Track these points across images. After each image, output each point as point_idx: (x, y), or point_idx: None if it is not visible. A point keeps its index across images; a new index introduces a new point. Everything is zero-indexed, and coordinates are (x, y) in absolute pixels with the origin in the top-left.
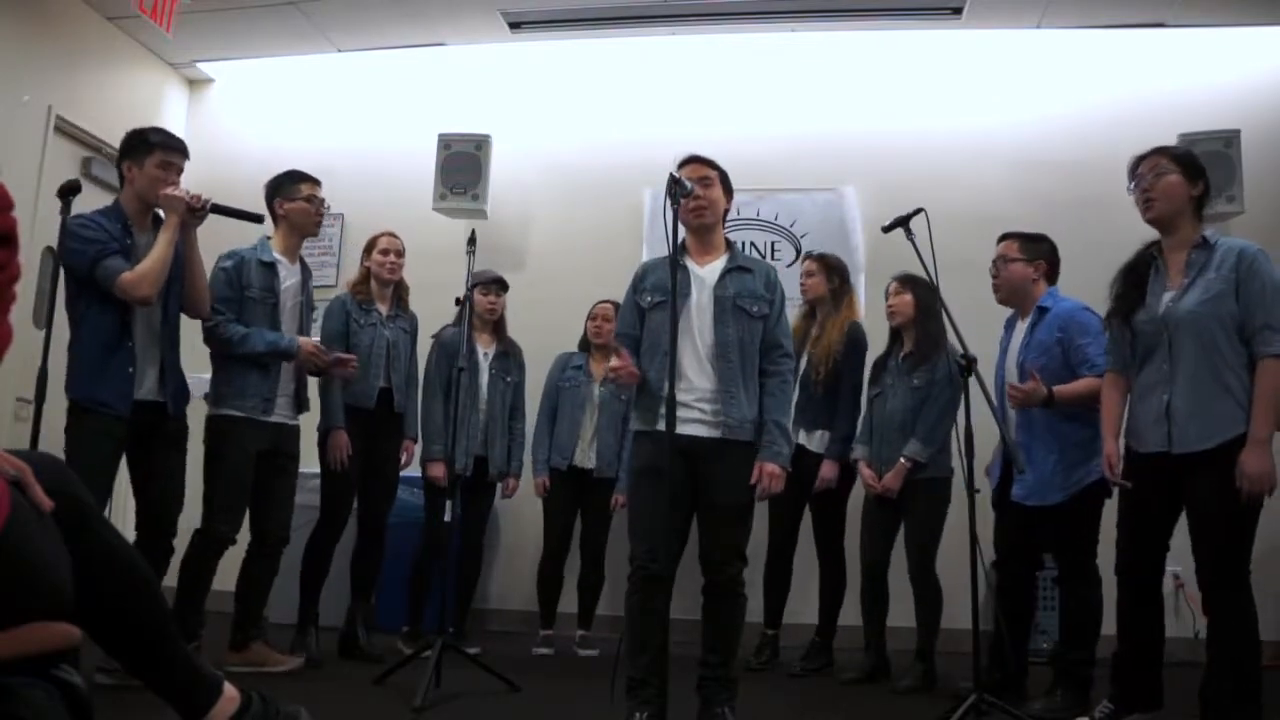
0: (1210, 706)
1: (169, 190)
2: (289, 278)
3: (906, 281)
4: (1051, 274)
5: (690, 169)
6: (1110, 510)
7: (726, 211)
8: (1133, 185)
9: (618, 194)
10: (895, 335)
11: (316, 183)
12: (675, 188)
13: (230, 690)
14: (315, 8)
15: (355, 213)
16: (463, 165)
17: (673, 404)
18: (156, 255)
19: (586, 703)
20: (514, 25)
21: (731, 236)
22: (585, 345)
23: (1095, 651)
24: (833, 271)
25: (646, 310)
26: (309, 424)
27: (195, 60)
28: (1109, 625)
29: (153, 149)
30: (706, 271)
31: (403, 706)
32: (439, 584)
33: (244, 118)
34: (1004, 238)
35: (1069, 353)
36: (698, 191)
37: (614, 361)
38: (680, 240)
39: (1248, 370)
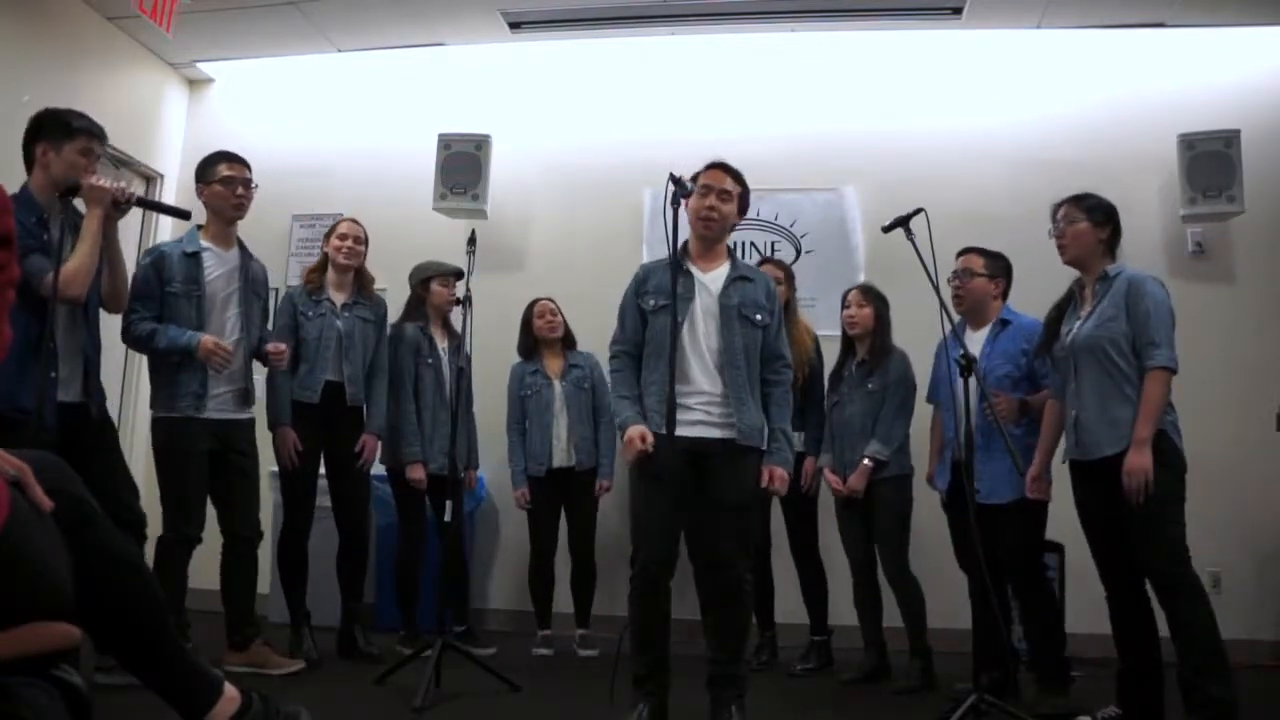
0: (1186, 687)
1: (95, 181)
2: (219, 266)
3: (868, 294)
4: (1006, 291)
5: (713, 176)
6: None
7: (734, 225)
8: (1051, 230)
9: (618, 194)
10: (848, 344)
11: (239, 162)
12: (676, 188)
13: (230, 690)
14: (315, 8)
15: (355, 213)
16: (463, 165)
17: (672, 407)
18: (85, 251)
19: (586, 703)
20: (514, 25)
21: (732, 236)
22: (529, 348)
23: (1064, 642)
24: (792, 280)
25: (650, 314)
26: (262, 418)
27: (195, 60)
28: (1099, 625)
29: (75, 134)
30: (710, 278)
31: (403, 706)
32: (428, 585)
33: (244, 118)
34: (966, 252)
35: (1034, 364)
36: (711, 201)
37: (633, 440)
38: (683, 243)
39: (1141, 380)
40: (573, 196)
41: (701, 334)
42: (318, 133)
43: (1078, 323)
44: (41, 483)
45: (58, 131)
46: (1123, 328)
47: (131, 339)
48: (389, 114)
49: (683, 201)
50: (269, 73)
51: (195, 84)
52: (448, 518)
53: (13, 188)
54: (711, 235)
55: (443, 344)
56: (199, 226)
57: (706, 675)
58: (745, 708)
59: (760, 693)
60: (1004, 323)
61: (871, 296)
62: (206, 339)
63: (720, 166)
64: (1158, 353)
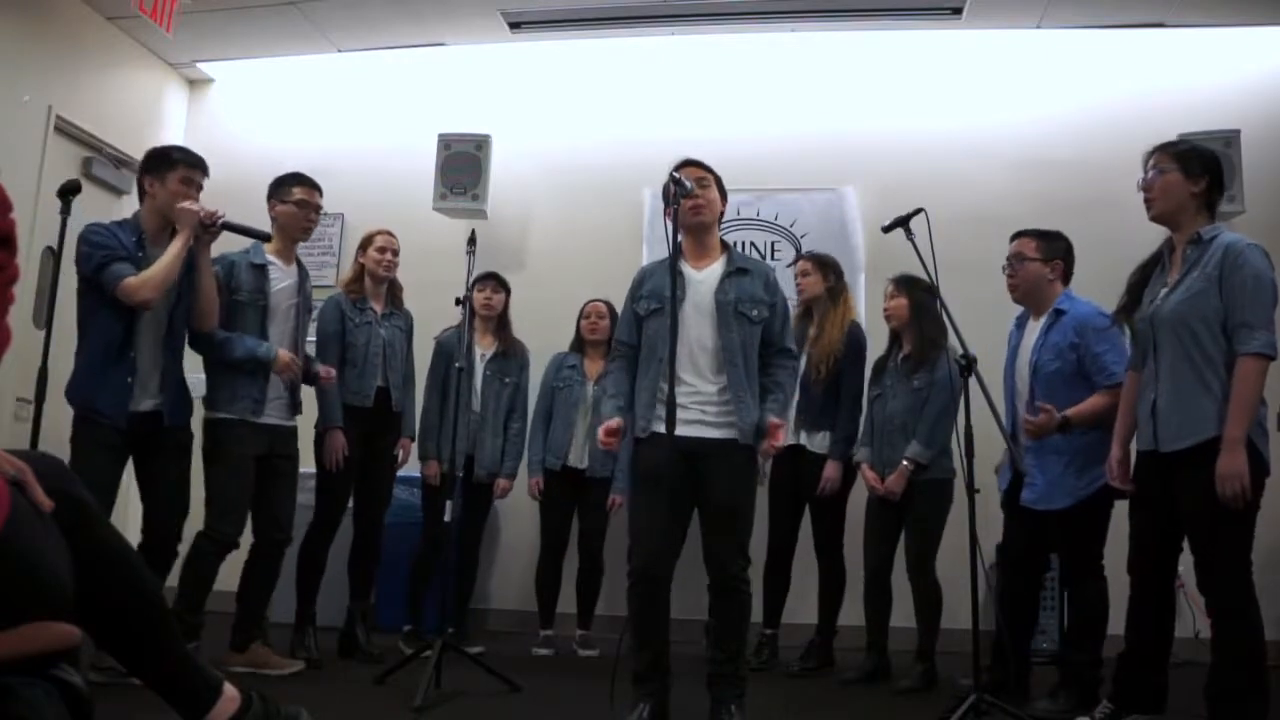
0: (1215, 706)
1: (183, 204)
2: (283, 280)
3: (902, 284)
4: (1067, 274)
5: (686, 171)
6: (1121, 512)
7: (722, 214)
8: (1140, 181)
9: (618, 194)
10: (895, 336)
11: (313, 187)
12: (676, 188)
13: (230, 690)
14: (315, 8)
15: (355, 213)
16: (463, 165)
17: (672, 406)
18: (163, 263)
19: (586, 703)
20: (514, 25)
21: (732, 237)
22: (578, 345)
23: (1101, 654)
24: (829, 270)
25: (643, 317)
26: (306, 426)
27: (195, 60)
28: (1118, 627)
29: (176, 165)
30: (704, 275)
31: (403, 706)
32: (438, 583)
33: (244, 118)
34: (1019, 235)
35: (1084, 360)
36: (696, 190)
37: (603, 435)
38: (677, 243)
39: (1228, 368)
40: (573, 196)
41: (693, 333)
42: (318, 133)
43: (1163, 290)
44: (41, 483)
45: (162, 165)
46: (1214, 304)
47: (203, 343)
48: (389, 114)
49: (681, 201)
50: (269, 73)
51: (195, 84)
52: (446, 518)
53: (12, 187)
54: (704, 221)
55: (485, 350)
56: None
57: (706, 675)
58: (745, 707)
59: (760, 693)
60: (1059, 313)
61: (904, 285)
62: (283, 352)
63: (689, 163)
64: (1254, 337)
